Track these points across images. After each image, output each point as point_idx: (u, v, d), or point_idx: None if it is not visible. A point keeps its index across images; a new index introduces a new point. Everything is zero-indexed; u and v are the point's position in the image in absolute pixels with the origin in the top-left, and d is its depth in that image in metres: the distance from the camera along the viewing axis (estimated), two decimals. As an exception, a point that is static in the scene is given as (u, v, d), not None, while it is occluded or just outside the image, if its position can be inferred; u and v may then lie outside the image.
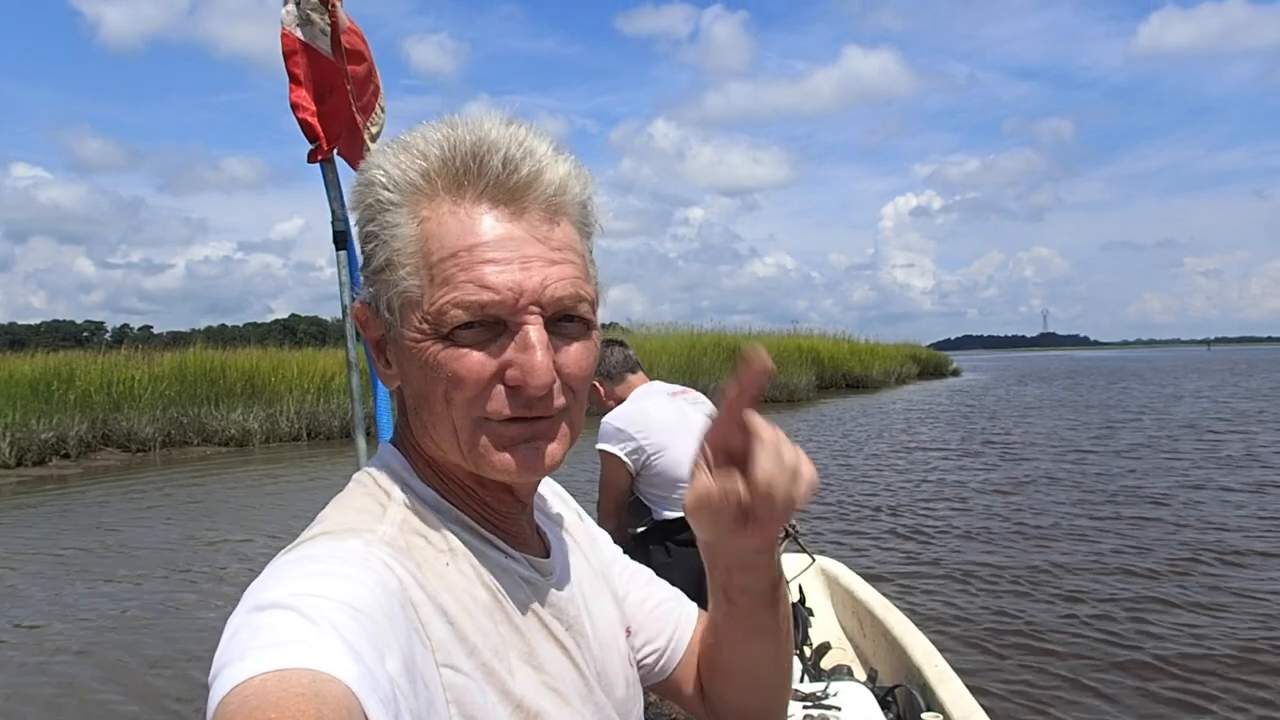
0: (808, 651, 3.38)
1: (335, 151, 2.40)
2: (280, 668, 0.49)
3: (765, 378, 0.62)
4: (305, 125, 2.27)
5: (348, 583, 0.58)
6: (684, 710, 0.95)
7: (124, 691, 4.59)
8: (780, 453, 0.65)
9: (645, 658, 0.91)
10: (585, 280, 0.69)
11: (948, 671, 2.78)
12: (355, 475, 0.76)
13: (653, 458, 3.02)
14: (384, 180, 0.67)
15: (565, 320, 0.68)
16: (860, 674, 3.19)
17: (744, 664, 0.86)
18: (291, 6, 2.17)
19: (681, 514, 2.93)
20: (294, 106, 2.23)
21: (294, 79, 2.21)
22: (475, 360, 0.66)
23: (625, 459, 3.04)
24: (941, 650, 3.02)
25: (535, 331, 0.65)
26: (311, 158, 2.36)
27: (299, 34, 2.18)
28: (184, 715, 4.26)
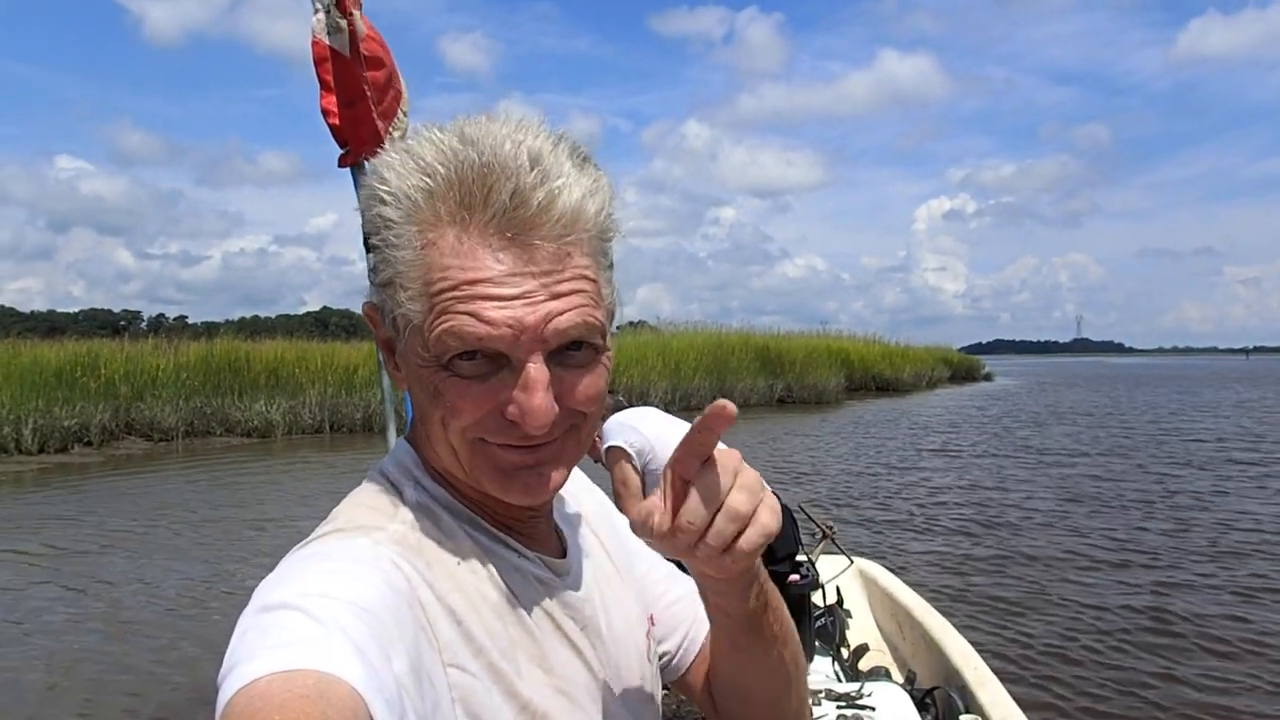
0: (845, 653, 3.36)
1: (364, 156, 2.44)
2: (286, 669, 0.49)
3: (729, 423, 0.59)
4: (335, 131, 2.33)
5: (355, 582, 0.58)
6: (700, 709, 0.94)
7: (185, 675, 4.69)
8: (716, 494, 0.60)
9: (658, 657, 0.90)
10: (595, 306, 0.65)
11: (987, 674, 2.75)
12: (369, 472, 0.75)
13: (656, 449, 3.14)
14: (387, 195, 0.64)
15: (572, 348, 0.65)
16: (898, 676, 3.17)
17: (735, 677, 0.85)
18: (322, 15, 2.21)
19: None
20: (324, 113, 2.28)
21: (324, 85, 2.26)
22: (474, 394, 0.64)
23: (632, 453, 3.13)
24: (981, 653, 2.99)
25: (536, 369, 0.63)
26: (342, 162, 2.41)
27: (328, 41, 2.22)
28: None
